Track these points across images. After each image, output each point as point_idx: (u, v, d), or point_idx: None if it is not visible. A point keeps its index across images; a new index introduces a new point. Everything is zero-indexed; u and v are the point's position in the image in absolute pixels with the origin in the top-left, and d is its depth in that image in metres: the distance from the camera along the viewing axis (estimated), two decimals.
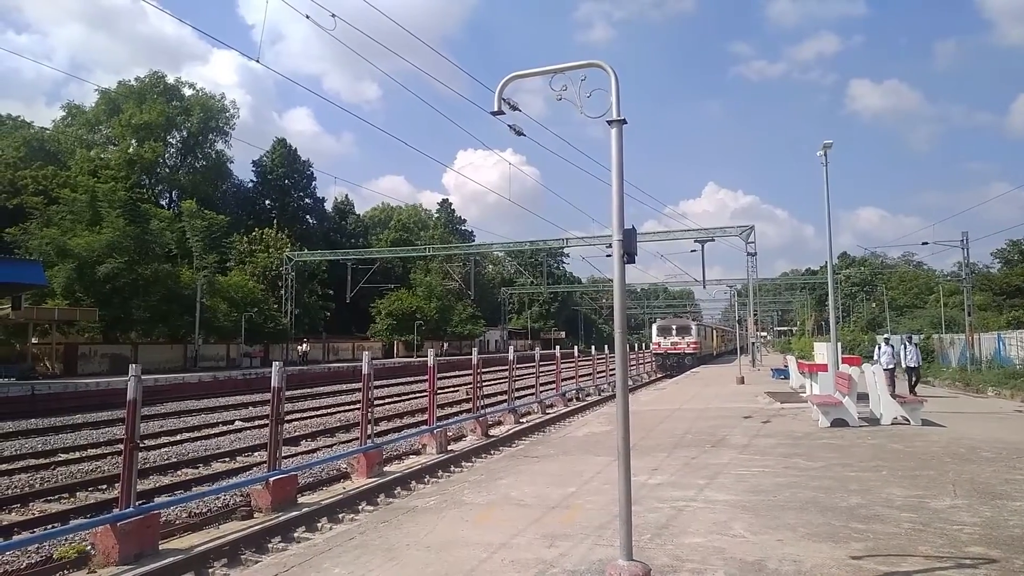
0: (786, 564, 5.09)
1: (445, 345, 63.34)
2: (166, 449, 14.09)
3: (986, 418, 14.94)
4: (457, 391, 26.21)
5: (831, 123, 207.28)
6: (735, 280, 64.53)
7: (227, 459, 13.05)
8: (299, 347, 44.25)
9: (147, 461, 12.36)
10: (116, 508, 6.69)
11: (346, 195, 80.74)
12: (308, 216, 70.20)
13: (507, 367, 17.27)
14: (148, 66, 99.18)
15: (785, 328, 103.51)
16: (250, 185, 67.79)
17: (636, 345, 41.05)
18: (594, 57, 5.10)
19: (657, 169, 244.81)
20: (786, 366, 27.54)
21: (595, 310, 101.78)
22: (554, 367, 23.53)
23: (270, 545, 7.30)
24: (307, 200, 70.20)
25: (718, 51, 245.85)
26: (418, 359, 47.03)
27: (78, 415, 20.11)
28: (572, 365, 26.50)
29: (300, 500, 8.80)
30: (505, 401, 17.52)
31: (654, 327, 46.20)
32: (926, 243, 54.63)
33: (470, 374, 15.94)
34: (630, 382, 23.47)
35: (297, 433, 15.83)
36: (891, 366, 17.57)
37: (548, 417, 18.27)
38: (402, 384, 32.04)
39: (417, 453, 12.82)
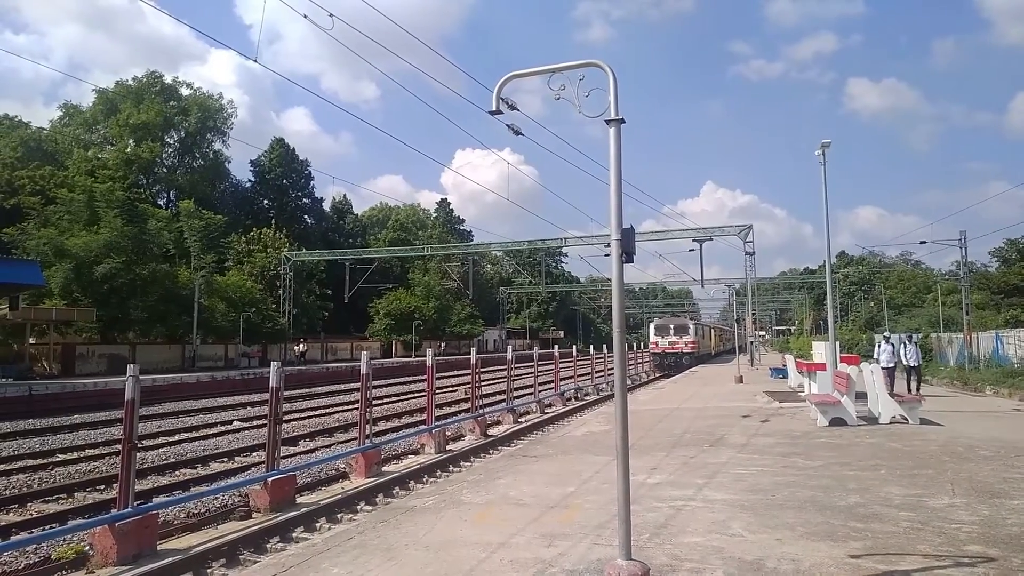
0: (785, 563, 5.09)
1: (443, 345, 63.28)
2: (164, 449, 14.06)
3: (984, 417, 14.98)
4: (456, 391, 26.19)
5: (830, 122, 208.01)
6: (733, 279, 64.63)
7: (225, 459, 13.03)
8: (296, 347, 44.20)
9: (145, 461, 12.33)
10: (114, 508, 6.68)
11: (344, 195, 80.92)
12: (306, 216, 70.13)
13: (505, 367, 17.27)
14: (146, 66, 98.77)
15: (783, 327, 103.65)
16: (248, 185, 67.70)
17: (634, 344, 41.04)
18: (592, 56, 5.10)
19: (655, 168, 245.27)
20: (784, 365, 27.54)
21: (593, 309, 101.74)
22: (552, 367, 23.52)
23: (269, 545, 7.29)
24: (305, 200, 70.13)
25: (717, 50, 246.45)
26: (416, 359, 47.01)
27: (76, 415, 20.05)
28: (570, 365, 26.47)
29: (299, 500, 8.79)
30: (503, 401, 17.53)
31: (652, 326, 46.16)
32: (924, 242, 55.05)
33: (468, 374, 15.92)
34: (628, 381, 23.50)
35: (295, 433, 15.80)
36: (891, 364, 17.58)
37: (547, 417, 18.27)
38: (400, 384, 32.00)
39: (416, 453, 12.81)
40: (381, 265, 60.76)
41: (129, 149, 53.77)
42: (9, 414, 19.81)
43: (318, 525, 8.08)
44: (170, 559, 6.41)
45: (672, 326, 44.37)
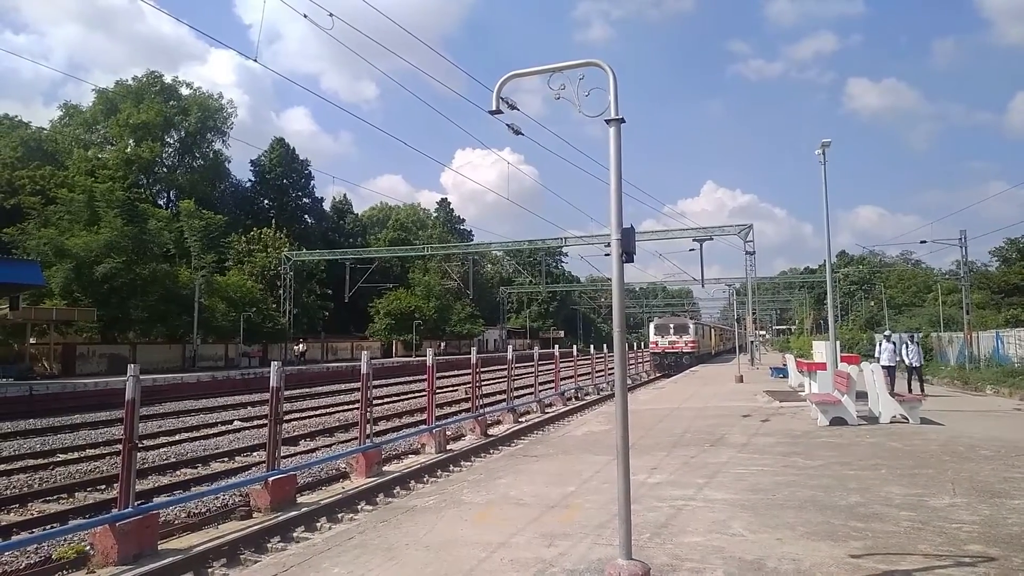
0: (785, 563, 5.09)
1: (444, 344, 63.30)
2: (165, 449, 14.07)
3: (984, 416, 14.96)
4: (456, 390, 26.19)
5: (830, 122, 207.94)
6: (734, 279, 64.55)
7: (226, 459, 13.03)
8: (296, 347, 44.21)
9: (146, 461, 12.34)
10: (115, 508, 6.67)
11: (344, 195, 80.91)
12: (306, 216, 70.16)
13: (506, 366, 17.25)
14: (146, 66, 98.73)
15: (784, 327, 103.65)
16: (248, 185, 67.74)
17: (635, 344, 41.04)
18: (592, 56, 5.09)
19: (655, 168, 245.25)
20: (785, 365, 27.55)
21: (594, 309, 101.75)
22: (553, 366, 23.52)
23: (269, 545, 7.29)
24: (305, 200, 70.16)
25: (716, 50, 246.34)
26: (417, 359, 47.02)
27: (76, 415, 20.06)
28: (571, 364, 26.47)
29: (299, 500, 8.79)
30: (504, 400, 17.52)
31: (652, 326, 46.11)
32: (924, 241, 55.13)
33: (469, 373, 15.93)
34: (629, 381, 23.51)
35: (296, 433, 15.81)
36: (892, 363, 17.57)
37: (547, 416, 18.27)
38: (401, 384, 32.01)
39: (416, 453, 12.81)
40: (381, 265, 60.78)
41: (129, 149, 53.79)
42: (10, 414, 19.82)
43: (319, 525, 8.08)
44: (171, 559, 6.41)
45: (672, 326, 44.32)
